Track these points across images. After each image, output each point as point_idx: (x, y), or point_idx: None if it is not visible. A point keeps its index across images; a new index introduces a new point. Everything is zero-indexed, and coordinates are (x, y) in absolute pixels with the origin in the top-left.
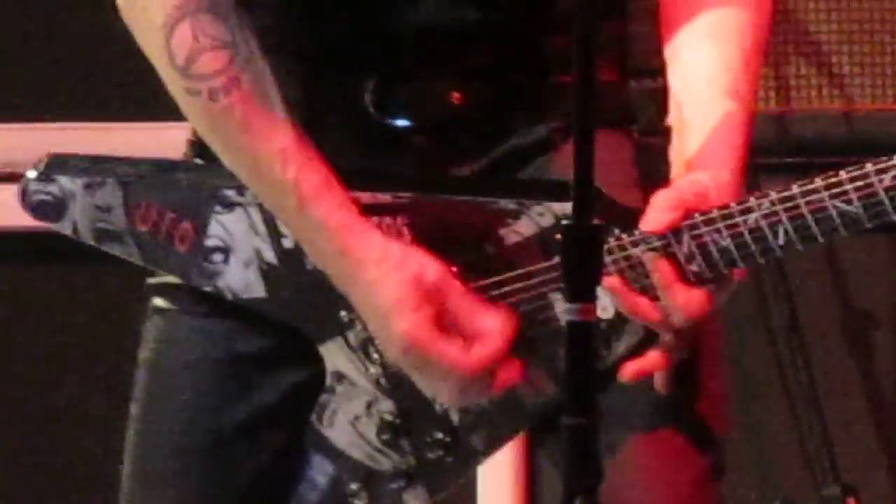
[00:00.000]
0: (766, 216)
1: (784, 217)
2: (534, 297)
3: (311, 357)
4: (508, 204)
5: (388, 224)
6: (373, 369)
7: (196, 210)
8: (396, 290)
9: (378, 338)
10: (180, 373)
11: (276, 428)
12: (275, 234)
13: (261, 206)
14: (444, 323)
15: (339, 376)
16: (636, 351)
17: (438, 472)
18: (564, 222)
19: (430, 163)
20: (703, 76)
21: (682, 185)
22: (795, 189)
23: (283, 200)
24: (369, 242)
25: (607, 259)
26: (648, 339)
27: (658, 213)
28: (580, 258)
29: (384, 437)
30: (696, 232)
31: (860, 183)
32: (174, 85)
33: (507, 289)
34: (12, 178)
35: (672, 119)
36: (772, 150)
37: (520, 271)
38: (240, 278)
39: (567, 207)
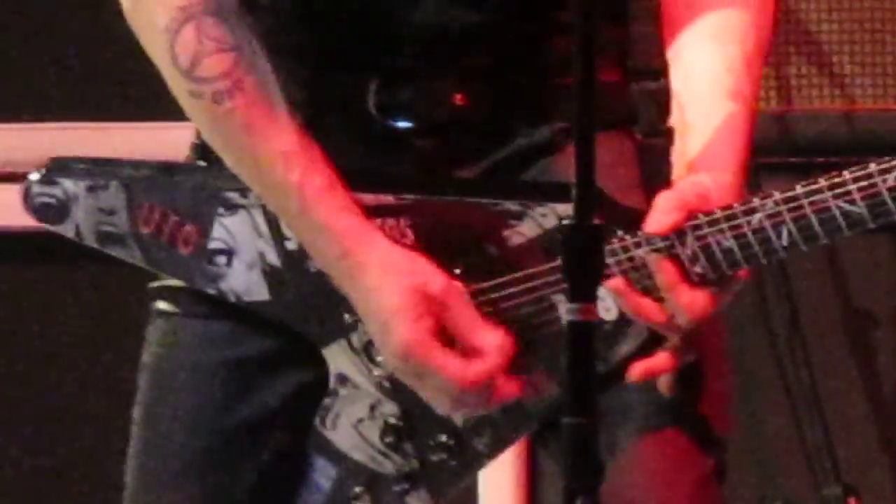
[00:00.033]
0: (769, 217)
1: (788, 217)
2: (536, 299)
3: (314, 359)
4: (511, 205)
5: (392, 226)
6: (376, 372)
7: (199, 212)
8: (399, 298)
9: (376, 342)
10: (183, 376)
11: (278, 431)
12: (278, 237)
13: (264, 209)
14: (445, 335)
15: (343, 379)
16: (640, 353)
17: (441, 475)
18: (565, 222)
19: (432, 164)
20: (706, 77)
21: (683, 186)
22: (799, 189)
23: (285, 203)
24: (372, 246)
25: (610, 260)
26: (653, 342)
27: (661, 214)
28: (581, 258)
29: (387, 439)
30: (699, 233)
31: (864, 183)
32: (178, 87)
33: (510, 290)
34: (12, 177)
35: (674, 120)
36: (773, 150)
37: (523, 273)
38: (243, 281)
39: (570, 209)
